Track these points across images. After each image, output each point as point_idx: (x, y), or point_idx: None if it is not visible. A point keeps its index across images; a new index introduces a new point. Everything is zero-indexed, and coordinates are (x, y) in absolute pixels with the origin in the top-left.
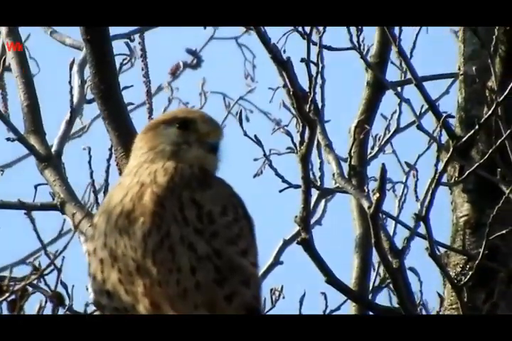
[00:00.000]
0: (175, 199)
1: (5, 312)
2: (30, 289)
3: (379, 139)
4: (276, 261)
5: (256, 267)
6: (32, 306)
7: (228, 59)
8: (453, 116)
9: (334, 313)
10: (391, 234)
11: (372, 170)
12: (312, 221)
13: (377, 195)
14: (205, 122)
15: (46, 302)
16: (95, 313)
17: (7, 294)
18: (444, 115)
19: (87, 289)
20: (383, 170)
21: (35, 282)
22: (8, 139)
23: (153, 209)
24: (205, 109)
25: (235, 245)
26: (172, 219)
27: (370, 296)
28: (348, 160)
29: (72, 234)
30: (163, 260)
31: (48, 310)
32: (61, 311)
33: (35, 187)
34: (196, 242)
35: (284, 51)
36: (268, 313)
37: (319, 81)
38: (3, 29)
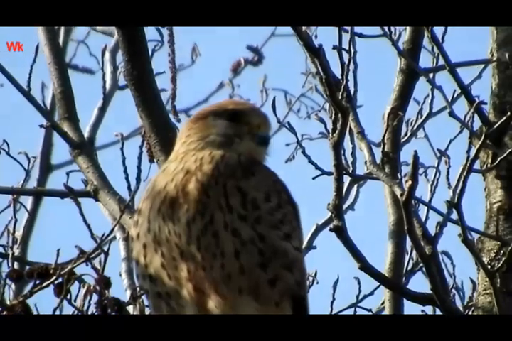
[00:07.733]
0: (219, 188)
1: (52, 295)
2: (76, 273)
3: (411, 124)
4: (310, 246)
5: (300, 252)
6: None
7: (289, 56)
8: (486, 103)
9: (367, 298)
10: (424, 219)
11: (405, 154)
12: (345, 206)
13: (410, 182)
14: (256, 114)
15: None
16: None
17: (54, 277)
18: (477, 101)
19: (120, 275)
20: (415, 158)
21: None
22: (41, 126)
23: (198, 198)
24: (267, 106)
25: (278, 229)
26: (216, 207)
27: (403, 280)
28: (381, 147)
29: (116, 223)
30: (208, 245)
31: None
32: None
33: (67, 174)
34: (240, 228)
35: (316, 37)
36: None
37: (351, 67)
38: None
